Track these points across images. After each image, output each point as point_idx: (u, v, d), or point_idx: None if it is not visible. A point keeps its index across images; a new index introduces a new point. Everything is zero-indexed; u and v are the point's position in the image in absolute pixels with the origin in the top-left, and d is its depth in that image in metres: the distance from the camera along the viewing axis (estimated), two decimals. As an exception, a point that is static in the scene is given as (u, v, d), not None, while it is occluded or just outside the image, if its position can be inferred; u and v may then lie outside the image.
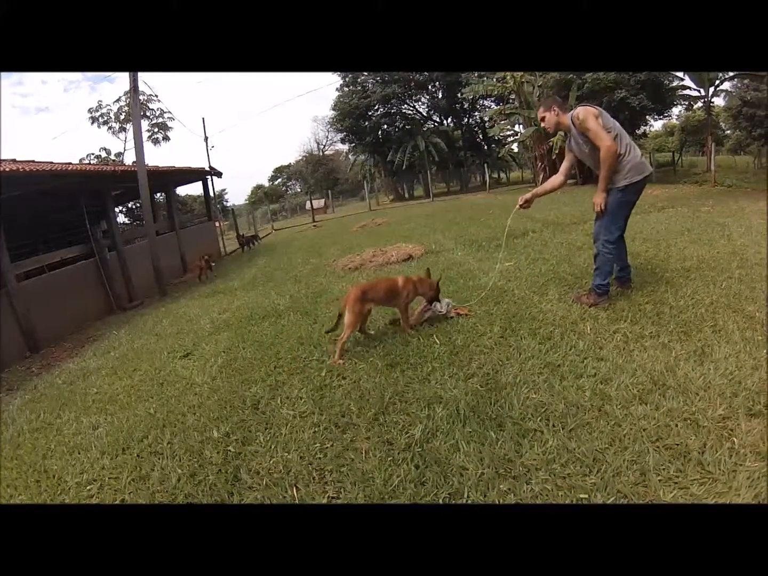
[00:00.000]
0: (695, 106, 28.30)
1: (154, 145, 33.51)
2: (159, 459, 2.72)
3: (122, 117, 32.35)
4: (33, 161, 9.00)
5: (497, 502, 1.90)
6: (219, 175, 17.99)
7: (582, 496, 1.85)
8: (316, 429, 2.68)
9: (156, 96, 32.97)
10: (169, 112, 34.92)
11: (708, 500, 1.74)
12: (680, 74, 23.31)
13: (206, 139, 24.34)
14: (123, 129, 32.86)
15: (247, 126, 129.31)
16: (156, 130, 33.47)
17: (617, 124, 3.55)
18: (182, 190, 30.53)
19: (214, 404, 3.23)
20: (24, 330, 7.15)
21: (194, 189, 51.44)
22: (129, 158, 32.41)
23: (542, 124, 3.81)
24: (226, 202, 49.67)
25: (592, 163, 3.66)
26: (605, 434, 2.19)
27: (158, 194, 18.79)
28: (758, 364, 2.60)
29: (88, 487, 2.59)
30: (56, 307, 7.91)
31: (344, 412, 2.79)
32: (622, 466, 1.96)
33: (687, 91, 24.48)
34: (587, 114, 3.46)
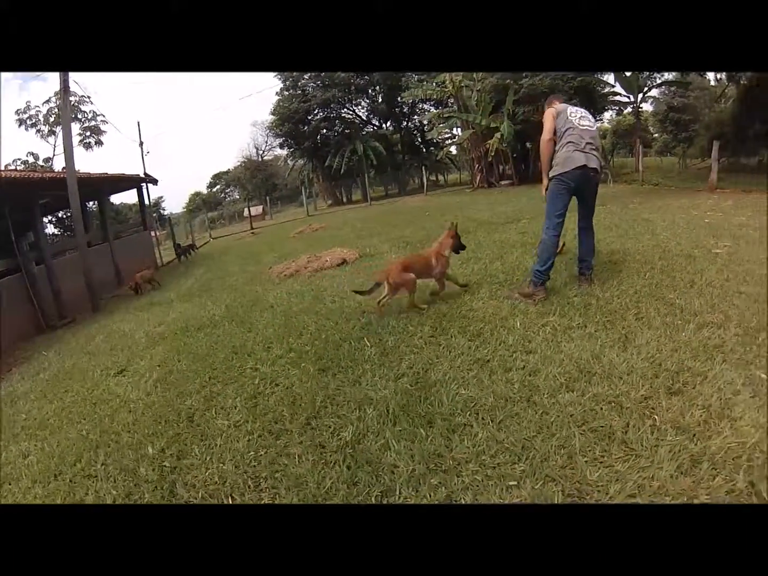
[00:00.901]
0: (625, 111, 30.48)
1: (86, 149, 32.38)
2: (93, 482, 2.67)
3: (52, 119, 30.84)
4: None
5: (429, 495, 1.98)
6: (154, 182, 17.42)
7: (511, 483, 1.96)
8: (251, 437, 2.72)
9: (88, 97, 31.71)
10: (102, 114, 33.46)
11: (631, 476, 1.90)
12: (611, 81, 25.19)
13: (141, 144, 23.22)
14: (52, 132, 31.35)
15: (185, 131, 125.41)
16: (88, 133, 32.25)
17: (574, 123, 4.04)
18: (117, 198, 29.14)
19: (149, 420, 3.22)
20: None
21: (129, 197, 49.25)
22: (58, 164, 30.74)
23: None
24: (163, 210, 48.29)
25: None
26: (533, 423, 2.33)
27: (90, 203, 18.05)
28: (677, 346, 2.88)
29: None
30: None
31: (277, 419, 2.85)
32: (550, 451, 2.11)
33: (618, 97, 26.55)
34: (547, 112, 4.18)
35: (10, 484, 2.90)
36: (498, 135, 21.32)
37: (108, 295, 11.02)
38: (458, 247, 4.49)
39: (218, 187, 64.06)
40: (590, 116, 4.15)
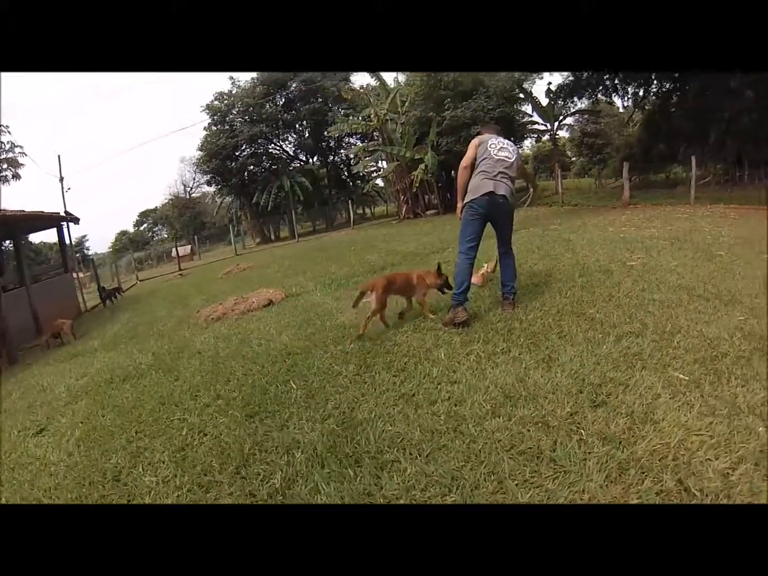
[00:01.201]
0: (543, 138, 32.33)
1: (2, 184, 30.19)
2: None
3: None
4: None
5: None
6: (76, 221, 16.27)
7: (443, 517, 1.91)
8: (180, 492, 2.54)
9: (6, 127, 29.93)
10: (20, 146, 31.30)
11: (562, 492, 1.92)
12: (529, 111, 27.39)
13: (62, 179, 22.07)
14: None
15: (110, 166, 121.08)
16: (5, 166, 30.27)
17: (490, 154, 4.26)
18: (36, 237, 27.31)
19: (72, 483, 2.94)
20: None
21: (50, 235, 46.51)
22: None
23: None
24: (87, 250, 45.87)
25: None
26: (461, 453, 2.31)
27: (6, 242, 16.80)
28: (599, 359, 2.99)
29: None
30: None
31: (206, 470, 2.71)
32: (480, 479, 2.09)
33: (536, 126, 28.34)
34: (472, 141, 4.44)
35: None
36: (422, 166, 22.09)
37: (26, 345, 10.24)
38: (443, 287, 4.61)
39: (145, 225, 62.66)
40: (512, 148, 4.34)
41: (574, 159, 48.02)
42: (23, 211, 12.63)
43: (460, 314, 4.02)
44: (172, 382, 4.46)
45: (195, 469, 2.75)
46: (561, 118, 28.71)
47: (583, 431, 2.28)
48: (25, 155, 30.98)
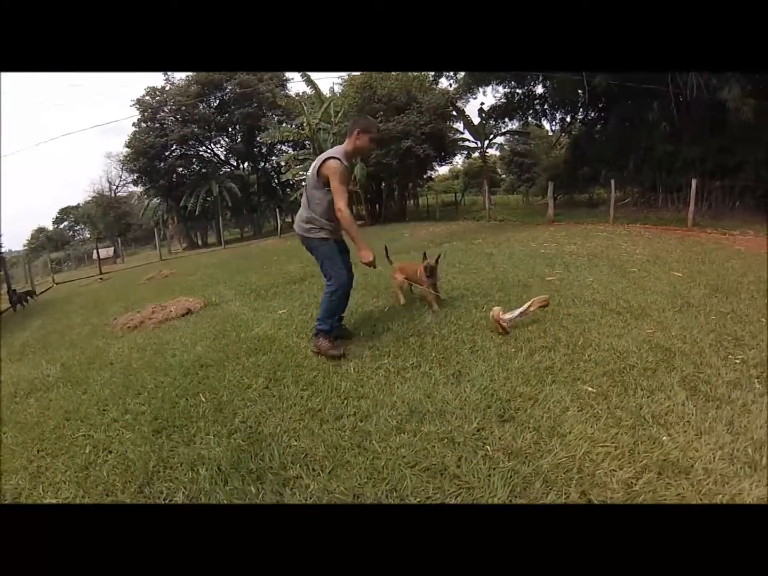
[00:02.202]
0: (474, 155, 33.32)
1: None
2: None
3: None
4: None
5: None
6: None
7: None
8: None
9: None
10: None
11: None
12: (460, 128, 28.07)
13: None
14: None
15: (28, 157, 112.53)
16: None
17: None
18: None
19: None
20: None
21: None
22: None
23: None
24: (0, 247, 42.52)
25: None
26: (364, 469, 2.27)
27: None
28: (509, 374, 3.04)
29: None
30: None
31: (109, 490, 2.55)
32: (381, 496, 2.07)
33: (467, 143, 29.15)
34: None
35: None
36: (351, 177, 22.14)
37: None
38: (431, 280, 4.69)
39: (66, 223, 59.57)
40: (312, 165, 4.01)
41: (503, 176, 50.02)
42: None
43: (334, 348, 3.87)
44: (79, 396, 4.20)
45: (97, 489, 2.60)
46: (492, 136, 29.77)
47: (488, 447, 2.30)
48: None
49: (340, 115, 24.15)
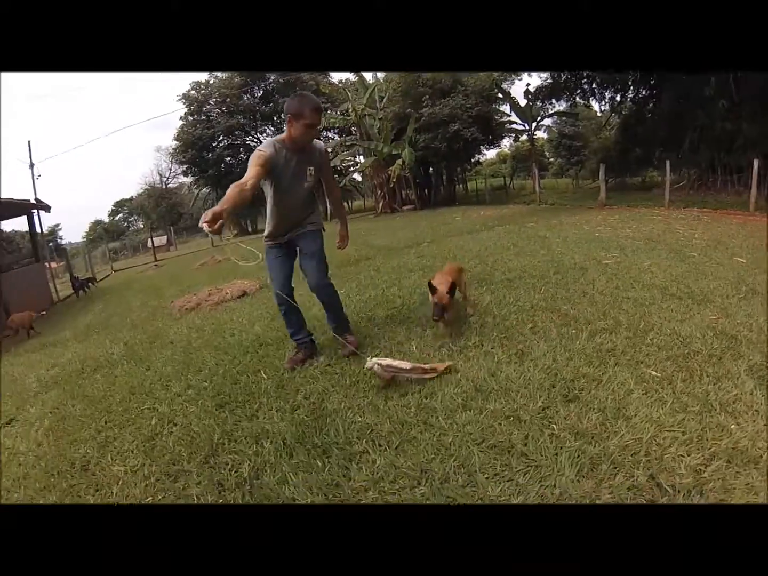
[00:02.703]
0: (521, 138, 32.62)
1: None
2: None
3: None
4: None
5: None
6: (47, 209, 15.83)
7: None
8: (148, 482, 2.50)
9: None
10: None
11: (533, 487, 1.90)
12: (507, 110, 27.42)
13: (32, 166, 21.31)
14: None
15: (84, 154, 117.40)
16: None
17: None
18: (8, 226, 26.38)
19: (41, 473, 2.87)
20: None
21: (23, 224, 44.77)
22: None
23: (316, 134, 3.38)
24: (60, 239, 44.54)
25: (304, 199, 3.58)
26: (431, 446, 2.28)
27: None
28: (572, 355, 2.98)
29: None
30: None
31: (175, 460, 2.67)
32: (449, 472, 2.06)
33: (514, 125, 28.45)
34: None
35: None
36: (399, 161, 22.04)
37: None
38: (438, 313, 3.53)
39: (120, 215, 61.75)
40: None
41: (552, 159, 48.76)
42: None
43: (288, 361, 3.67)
44: (143, 372, 4.40)
45: (164, 459, 2.71)
46: (539, 119, 29.10)
47: (555, 426, 2.27)
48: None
49: (385, 100, 24.15)
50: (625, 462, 1.97)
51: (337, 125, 26.92)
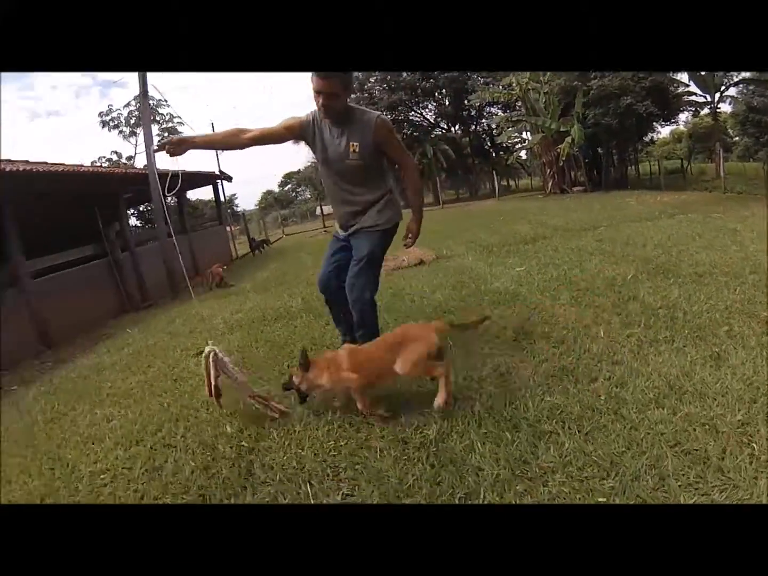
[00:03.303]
0: (702, 113, 27.97)
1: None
2: (172, 452, 2.69)
3: (132, 121, 32.75)
4: (45, 162, 9.02)
5: (514, 503, 1.87)
6: (229, 179, 17.94)
7: (601, 499, 1.80)
8: (330, 427, 2.61)
9: (165, 101, 33.10)
10: (179, 116, 34.96)
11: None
12: (685, 80, 23.14)
13: None
14: (133, 133, 33.28)
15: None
16: (166, 134, 33.18)
17: None
18: (193, 195, 30.50)
19: (228, 400, 3.03)
20: (38, 325, 7.21)
21: (204, 194, 51.19)
22: (140, 162, 32.54)
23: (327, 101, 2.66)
24: (237, 207, 49.69)
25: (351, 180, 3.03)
26: (622, 438, 2.14)
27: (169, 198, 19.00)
28: None
29: (101, 476, 2.58)
30: (70, 304, 7.98)
31: (356, 410, 2.72)
32: (641, 470, 1.91)
33: (693, 97, 24.22)
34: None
35: (93, 444, 3.00)
36: (569, 139, 20.20)
37: (190, 283, 11.34)
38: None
39: (289, 186, 65.00)
40: None
41: (736, 139, 40.43)
42: (183, 170, 13.80)
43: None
44: (322, 326, 4.53)
45: (348, 407, 2.76)
46: (723, 88, 23.99)
47: (755, 445, 1.96)
48: (183, 124, 33.61)
49: (549, 73, 21.07)
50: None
51: (501, 100, 25.36)
